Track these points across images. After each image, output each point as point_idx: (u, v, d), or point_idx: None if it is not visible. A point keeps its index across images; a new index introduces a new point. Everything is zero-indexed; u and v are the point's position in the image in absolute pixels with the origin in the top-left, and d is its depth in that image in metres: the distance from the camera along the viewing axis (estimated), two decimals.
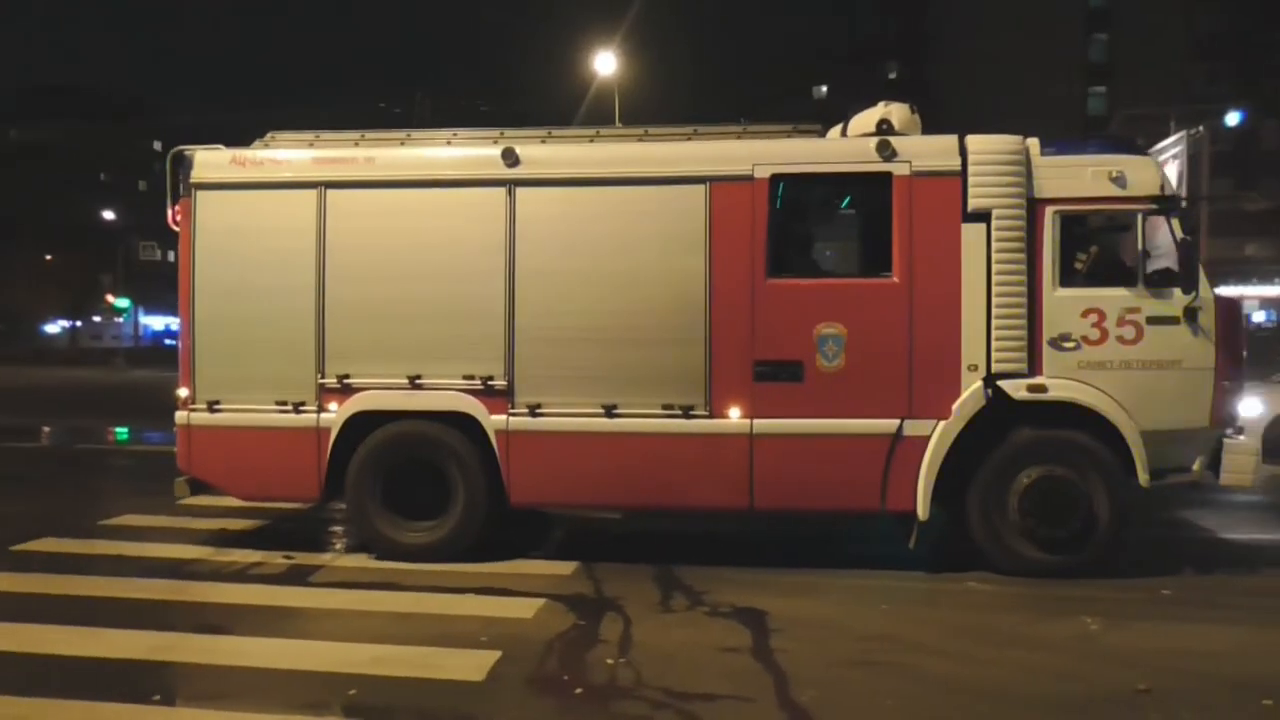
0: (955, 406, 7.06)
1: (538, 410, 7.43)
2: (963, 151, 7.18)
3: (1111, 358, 7.02)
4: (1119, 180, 7.09)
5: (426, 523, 7.59)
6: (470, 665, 5.28)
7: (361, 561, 7.67)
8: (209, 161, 7.83)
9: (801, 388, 7.16)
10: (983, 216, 7.09)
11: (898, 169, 7.20)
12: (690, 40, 53.86)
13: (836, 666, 5.33)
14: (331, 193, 7.64)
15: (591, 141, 7.84)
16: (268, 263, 7.69)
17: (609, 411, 7.35)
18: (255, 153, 7.91)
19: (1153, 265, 7.19)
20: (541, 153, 7.60)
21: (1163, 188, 7.10)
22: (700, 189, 7.32)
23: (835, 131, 7.88)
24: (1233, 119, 28.52)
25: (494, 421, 7.45)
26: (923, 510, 7.04)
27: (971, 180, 7.11)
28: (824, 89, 58.20)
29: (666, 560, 7.48)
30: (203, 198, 7.79)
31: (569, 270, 7.43)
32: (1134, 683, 5.00)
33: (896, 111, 7.56)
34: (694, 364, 7.28)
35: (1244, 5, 45.10)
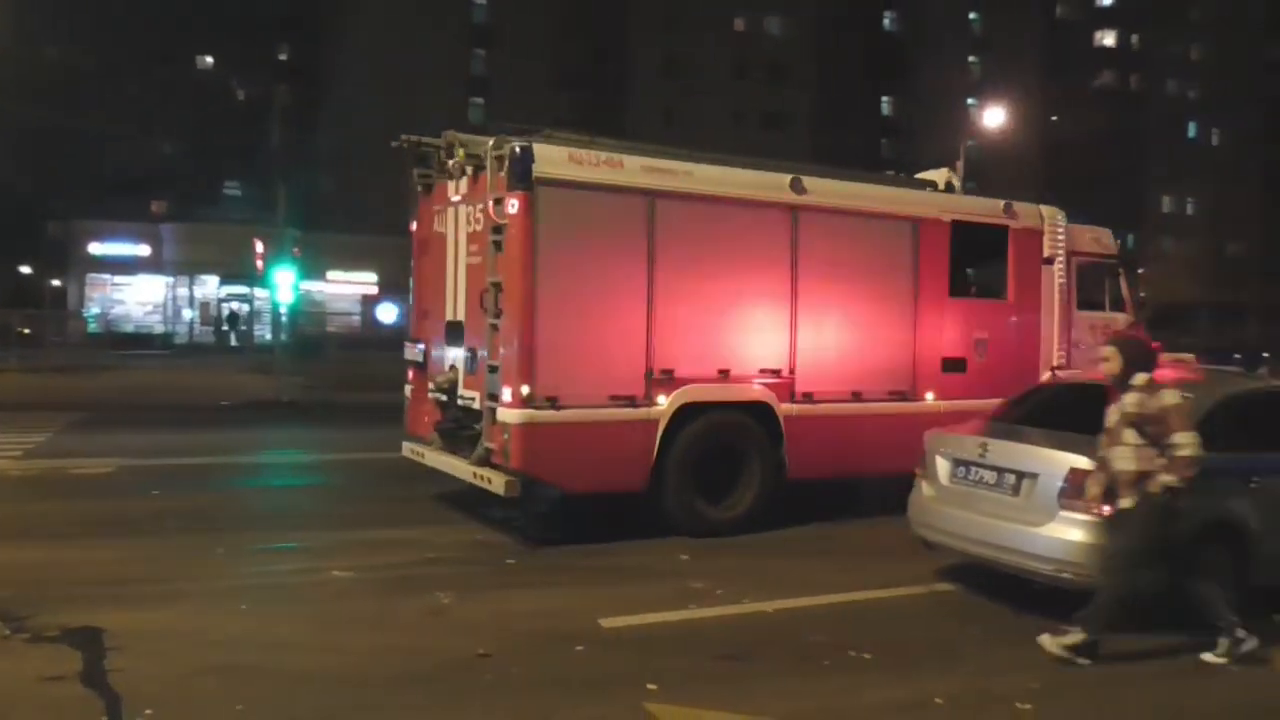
0: None
1: (813, 398, 8.90)
2: (1040, 216, 10.43)
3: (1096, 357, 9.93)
4: (1098, 242, 11.10)
5: (729, 500, 8.58)
6: None
7: None
8: (550, 157, 7.81)
9: (964, 377, 9.71)
10: (1051, 261, 10.43)
11: (1013, 224, 10.26)
12: None
13: (184, 678, 4.98)
14: (660, 201, 8.15)
15: (842, 179, 9.61)
16: (606, 263, 8.04)
17: (856, 397, 9.16)
18: (593, 153, 8.08)
19: (1111, 298, 11.12)
20: (818, 184, 9.09)
21: (1118, 248, 11.25)
22: (912, 225, 9.56)
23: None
24: None
25: (783, 409, 8.75)
26: None
27: (1046, 236, 10.41)
28: (210, 59, 54.32)
29: None
30: (544, 194, 7.71)
31: (831, 284, 9.05)
32: (476, 649, 5.45)
33: (953, 175, 10.80)
34: (905, 360, 9.49)
35: (597, 44, 52.08)
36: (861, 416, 9.17)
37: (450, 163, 8.68)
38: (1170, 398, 5.57)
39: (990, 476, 6.60)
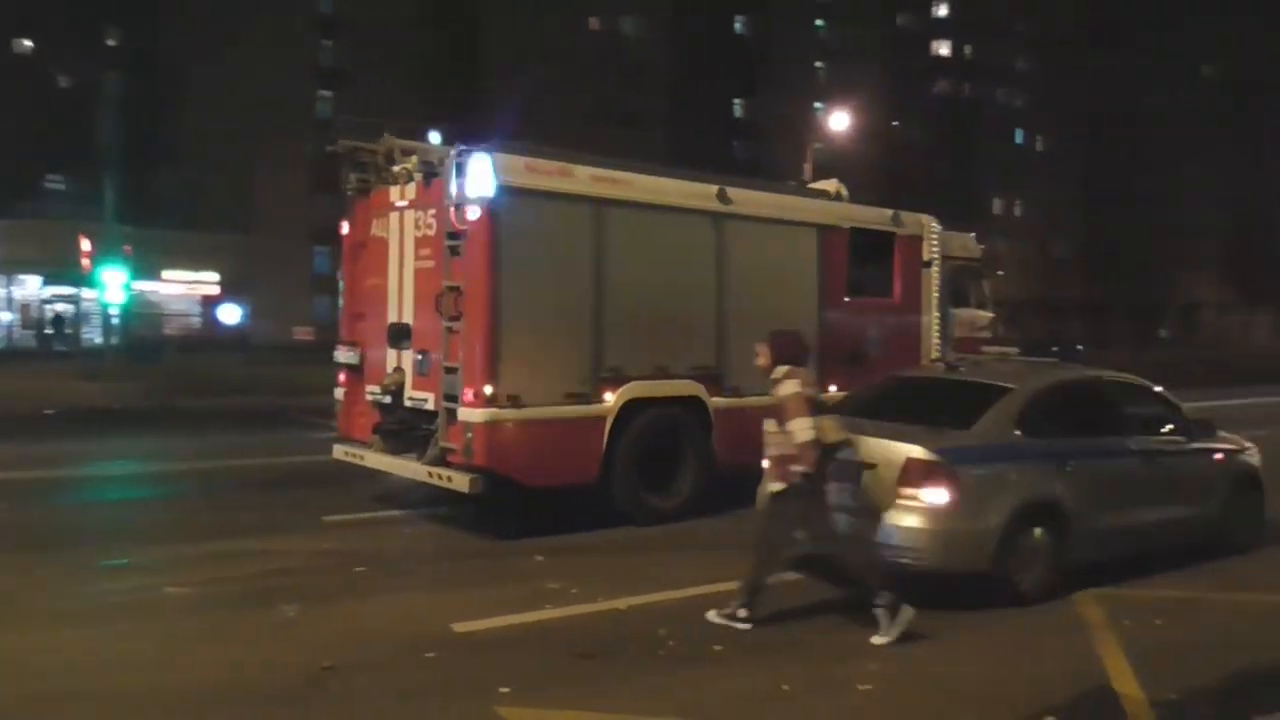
0: None
1: (739, 390, 9.28)
2: (920, 224, 11.46)
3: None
4: (965, 247, 12.45)
5: (670, 489, 9.05)
6: None
7: None
8: (509, 166, 8.01)
9: (860, 369, 10.11)
10: (929, 264, 11.51)
11: (899, 231, 11.24)
12: None
13: (5, 709, 4.65)
14: (606, 208, 8.55)
15: (758, 189, 10.24)
16: (559, 266, 8.38)
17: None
18: (546, 162, 8.31)
19: (973, 295, 12.63)
20: (739, 195, 9.66)
21: (981, 253, 12.80)
22: (817, 232, 10.36)
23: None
24: (435, 137, 32.12)
25: (714, 402, 9.28)
26: None
27: (925, 243, 11.48)
28: (28, 42, 50.71)
29: None
30: (505, 201, 7.91)
31: (749, 284, 9.57)
32: (321, 661, 5.28)
33: (841, 186, 11.55)
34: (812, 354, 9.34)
35: (450, 37, 51.16)
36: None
37: (395, 168, 8.93)
38: (787, 388, 6.02)
39: None
